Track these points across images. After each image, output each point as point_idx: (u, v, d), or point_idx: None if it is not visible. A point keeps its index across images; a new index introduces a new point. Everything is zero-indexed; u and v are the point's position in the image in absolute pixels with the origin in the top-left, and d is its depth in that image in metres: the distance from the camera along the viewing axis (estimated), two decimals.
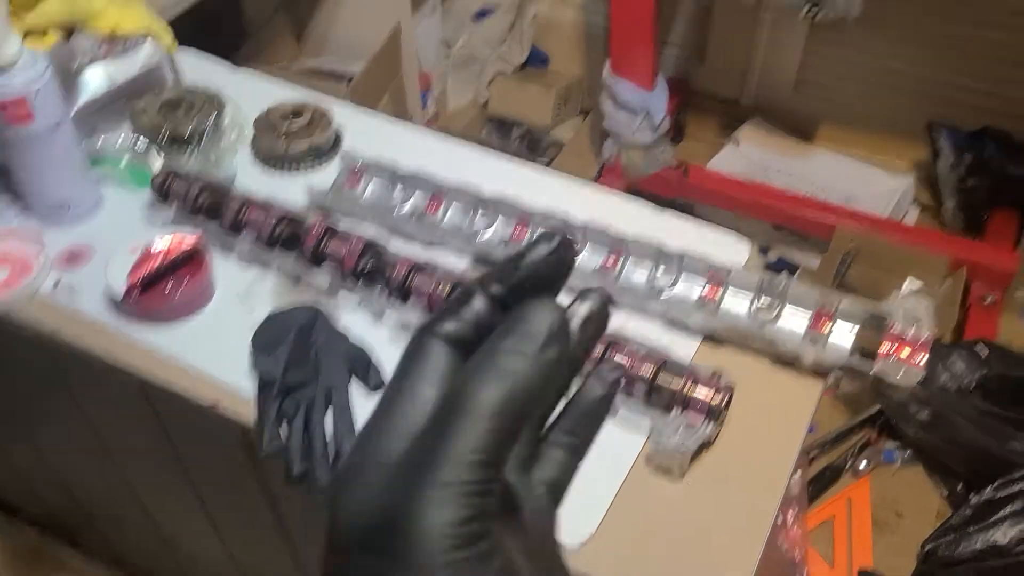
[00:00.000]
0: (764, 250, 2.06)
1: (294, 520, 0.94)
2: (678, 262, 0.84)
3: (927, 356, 0.75)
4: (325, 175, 1.00)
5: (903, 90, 2.06)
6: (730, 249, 0.88)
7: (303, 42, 2.12)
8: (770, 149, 2.18)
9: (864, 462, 1.61)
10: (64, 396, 1.00)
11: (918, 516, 1.56)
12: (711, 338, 0.82)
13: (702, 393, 0.72)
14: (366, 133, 1.05)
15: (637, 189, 2.00)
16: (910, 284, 1.84)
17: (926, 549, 1.49)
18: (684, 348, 0.81)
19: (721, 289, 0.83)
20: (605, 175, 2.03)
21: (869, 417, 1.66)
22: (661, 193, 2.00)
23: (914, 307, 0.76)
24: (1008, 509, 1.45)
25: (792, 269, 2.04)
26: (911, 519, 1.56)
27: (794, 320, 0.81)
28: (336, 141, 1.03)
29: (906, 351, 0.76)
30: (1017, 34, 1.86)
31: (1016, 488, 1.45)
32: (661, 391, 0.73)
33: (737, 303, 0.82)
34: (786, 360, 0.79)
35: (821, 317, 0.79)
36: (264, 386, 0.75)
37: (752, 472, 0.73)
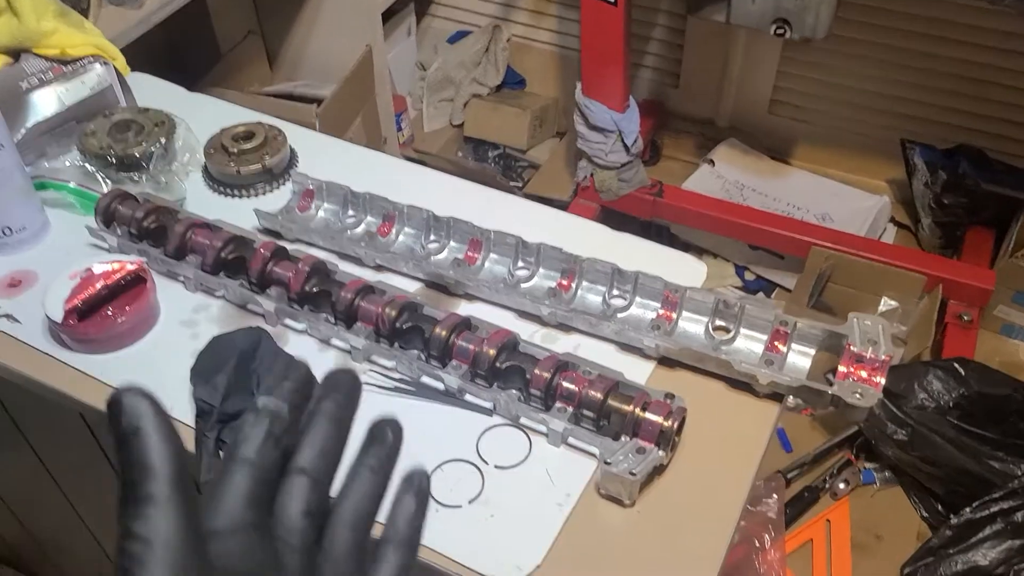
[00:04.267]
0: (741, 270, 2.05)
1: None
2: (633, 283, 0.82)
3: (884, 377, 0.73)
4: (277, 198, 0.98)
5: (876, 108, 2.07)
6: (687, 270, 0.87)
7: (275, 65, 2.11)
8: (745, 169, 2.17)
9: (843, 483, 1.59)
10: (7, 426, 0.97)
11: (898, 538, 1.54)
12: (666, 361, 0.80)
13: (653, 417, 0.70)
14: (323, 156, 1.03)
15: (612, 210, 1.99)
16: (886, 303, 1.83)
17: (906, 572, 1.46)
18: (638, 371, 0.78)
19: (676, 310, 0.81)
20: (580, 196, 2.02)
21: (847, 437, 1.64)
22: (636, 214, 1.99)
23: (871, 328, 0.75)
24: (988, 530, 1.43)
25: (769, 288, 2.03)
26: (891, 541, 1.53)
27: (750, 342, 0.79)
28: (290, 164, 1.01)
29: (864, 372, 0.74)
30: (982, 52, 1.87)
31: (996, 508, 1.43)
32: (611, 415, 0.71)
33: (692, 324, 0.81)
34: (742, 383, 0.77)
35: (777, 338, 0.78)
36: (202, 416, 0.73)
37: (706, 498, 0.71)
